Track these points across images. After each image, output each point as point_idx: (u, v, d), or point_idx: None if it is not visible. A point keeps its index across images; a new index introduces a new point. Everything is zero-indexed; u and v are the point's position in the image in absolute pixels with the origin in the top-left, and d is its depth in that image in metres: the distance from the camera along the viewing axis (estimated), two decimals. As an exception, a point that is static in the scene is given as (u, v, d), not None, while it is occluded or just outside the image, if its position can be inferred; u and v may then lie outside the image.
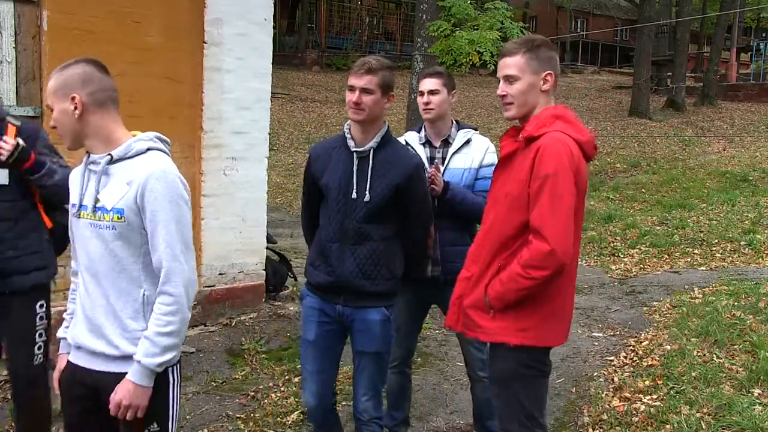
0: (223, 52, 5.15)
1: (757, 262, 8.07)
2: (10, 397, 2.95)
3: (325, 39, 30.86)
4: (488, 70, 11.86)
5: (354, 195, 2.73)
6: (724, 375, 4.26)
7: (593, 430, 3.82)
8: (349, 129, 2.81)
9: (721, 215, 10.39)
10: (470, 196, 3.16)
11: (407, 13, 30.65)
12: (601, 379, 4.57)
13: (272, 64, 5.49)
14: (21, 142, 2.81)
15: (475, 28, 11.29)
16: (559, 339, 2.47)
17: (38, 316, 2.90)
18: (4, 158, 2.74)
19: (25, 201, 2.92)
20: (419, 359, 4.88)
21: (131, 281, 2.10)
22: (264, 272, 5.63)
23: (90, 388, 2.18)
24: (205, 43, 5.07)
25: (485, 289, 2.40)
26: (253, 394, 4.24)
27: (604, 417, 3.93)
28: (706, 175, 13.73)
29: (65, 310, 2.34)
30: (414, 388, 4.39)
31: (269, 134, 5.58)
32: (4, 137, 2.78)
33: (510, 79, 2.42)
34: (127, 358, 2.09)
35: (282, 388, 4.32)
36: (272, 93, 5.86)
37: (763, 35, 35.18)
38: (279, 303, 5.89)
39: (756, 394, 3.96)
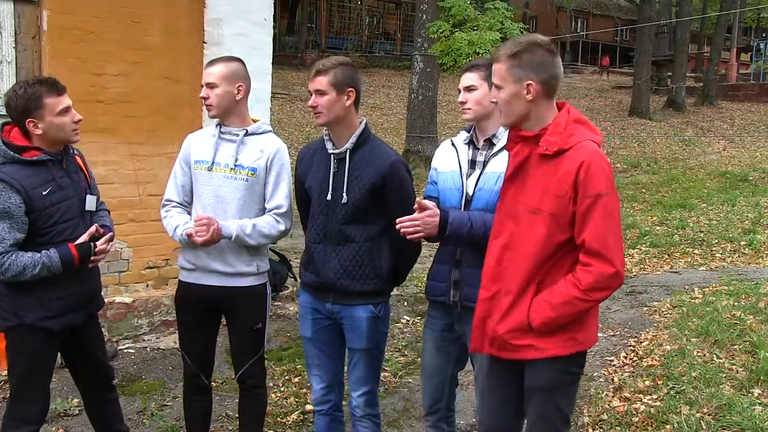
0: (223, 52, 5.14)
1: (757, 262, 8.08)
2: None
3: (325, 39, 30.84)
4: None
5: (329, 197, 2.76)
6: (724, 375, 4.26)
7: (593, 430, 3.82)
8: (328, 131, 2.83)
9: (721, 215, 10.40)
10: (479, 223, 2.63)
11: (407, 13, 30.62)
12: (601, 379, 4.57)
13: (272, 64, 5.49)
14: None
15: (475, 28, 11.30)
16: (596, 337, 2.46)
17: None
18: None
19: None
20: (419, 360, 4.88)
21: (250, 218, 2.90)
22: (264, 272, 5.63)
23: (204, 299, 2.95)
24: (205, 43, 5.07)
25: (528, 315, 2.29)
26: (253, 394, 4.23)
27: (604, 417, 3.92)
28: (706, 175, 13.74)
29: None
30: (414, 388, 4.39)
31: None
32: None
33: (497, 88, 2.33)
34: (239, 275, 2.93)
35: (282, 388, 4.32)
36: (272, 93, 5.85)
37: (763, 35, 35.18)
38: (279, 303, 5.89)
39: (756, 394, 3.96)
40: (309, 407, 4.01)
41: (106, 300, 4.71)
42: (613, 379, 4.51)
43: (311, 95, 2.74)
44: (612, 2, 42.85)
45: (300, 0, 30.99)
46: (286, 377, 4.49)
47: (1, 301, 2.75)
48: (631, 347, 5.17)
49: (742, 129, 19.13)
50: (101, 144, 4.61)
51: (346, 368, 3.01)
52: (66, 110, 2.71)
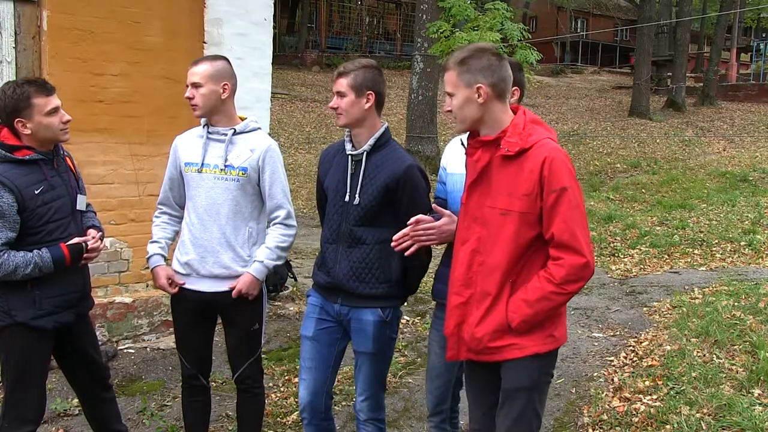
0: (223, 52, 5.13)
1: (757, 262, 8.07)
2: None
3: (325, 39, 30.81)
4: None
5: (347, 198, 2.77)
6: (724, 375, 4.26)
7: (593, 430, 3.82)
8: (349, 132, 2.83)
9: (721, 215, 10.39)
10: None
11: (407, 13, 30.60)
12: (601, 380, 4.57)
13: (272, 64, 5.49)
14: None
15: (475, 28, 11.30)
16: (566, 333, 2.50)
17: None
18: None
19: None
20: (419, 360, 4.89)
21: (243, 219, 2.90)
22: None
23: (200, 301, 2.93)
24: (205, 43, 5.06)
25: (507, 315, 2.32)
26: (253, 394, 4.23)
27: (604, 417, 3.92)
28: (706, 176, 13.73)
29: None
30: (414, 388, 4.39)
31: (269, 134, 5.57)
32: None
33: (450, 96, 2.39)
34: (234, 277, 2.89)
35: (282, 388, 4.32)
36: (272, 93, 5.85)
37: (763, 35, 35.19)
38: (279, 303, 5.88)
39: (756, 395, 3.96)
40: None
41: (106, 300, 4.74)
42: (613, 379, 4.51)
43: (334, 96, 2.76)
44: (612, 2, 42.82)
45: (300, 0, 30.98)
46: (286, 377, 4.49)
47: None
48: (631, 347, 5.17)
49: (742, 129, 19.12)
50: (101, 144, 4.61)
51: (344, 373, 3.00)
52: (55, 110, 2.73)
